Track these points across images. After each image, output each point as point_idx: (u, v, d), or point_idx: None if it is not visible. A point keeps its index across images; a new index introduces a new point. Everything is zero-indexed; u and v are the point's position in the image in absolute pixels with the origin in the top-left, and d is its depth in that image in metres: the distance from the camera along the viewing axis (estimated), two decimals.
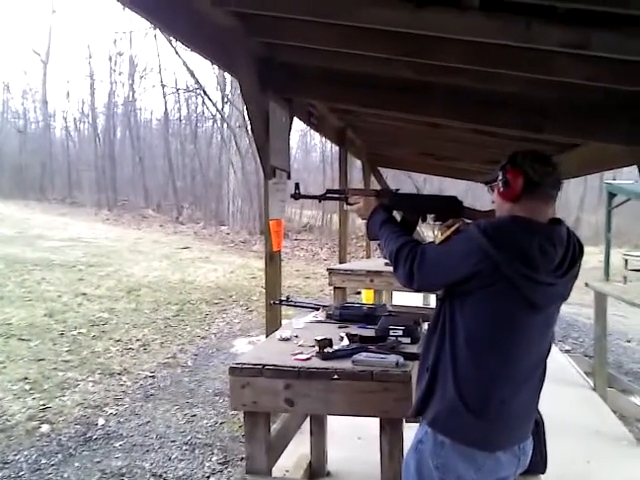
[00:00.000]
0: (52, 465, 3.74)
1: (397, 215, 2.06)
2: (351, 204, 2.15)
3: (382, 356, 2.19)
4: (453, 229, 1.86)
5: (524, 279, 1.55)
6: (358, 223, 16.35)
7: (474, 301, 1.61)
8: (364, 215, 2.07)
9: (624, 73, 2.60)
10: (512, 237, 1.56)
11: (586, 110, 3.34)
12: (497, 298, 1.58)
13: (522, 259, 1.54)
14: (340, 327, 2.74)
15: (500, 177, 1.68)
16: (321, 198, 2.34)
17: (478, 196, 16.12)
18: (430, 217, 2.06)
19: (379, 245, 1.98)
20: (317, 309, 3.11)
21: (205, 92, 22.99)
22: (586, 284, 5.28)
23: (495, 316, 1.61)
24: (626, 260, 14.43)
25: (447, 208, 2.03)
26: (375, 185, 9.54)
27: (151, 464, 3.81)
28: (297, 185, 2.37)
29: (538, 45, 2.41)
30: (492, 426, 1.64)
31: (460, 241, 1.66)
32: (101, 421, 4.48)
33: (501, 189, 1.68)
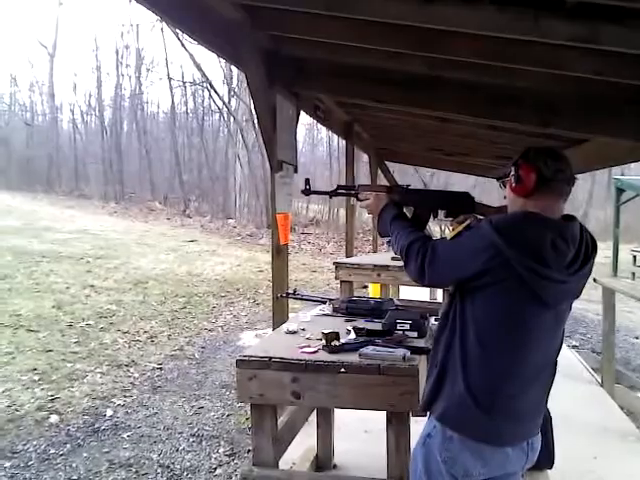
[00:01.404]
0: (61, 455, 3.78)
1: (408, 211, 2.05)
2: (361, 200, 2.14)
3: (389, 350, 2.19)
4: (464, 225, 1.85)
5: (536, 276, 1.54)
6: (365, 217, 16.37)
7: (485, 297, 1.61)
8: (375, 211, 2.06)
9: (633, 68, 2.58)
10: (524, 233, 1.56)
11: (595, 105, 3.32)
12: (508, 294, 1.58)
13: (534, 255, 1.53)
14: (347, 321, 2.75)
15: (513, 172, 1.67)
16: (332, 194, 2.33)
17: (486, 191, 16.07)
18: (441, 213, 2.04)
19: (389, 242, 1.97)
20: (324, 302, 3.11)
21: (212, 85, 22.98)
22: (594, 280, 5.25)
23: (506, 312, 1.60)
24: (634, 256, 14.34)
25: (459, 204, 2.01)
26: (382, 179, 9.54)
27: (159, 455, 3.84)
28: (307, 181, 2.35)
29: (547, 39, 2.40)
30: (501, 422, 1.65)
31: (472, 237, 1.66)
32: (109, 412, 4.51)
33: (513, 184, 1.67)
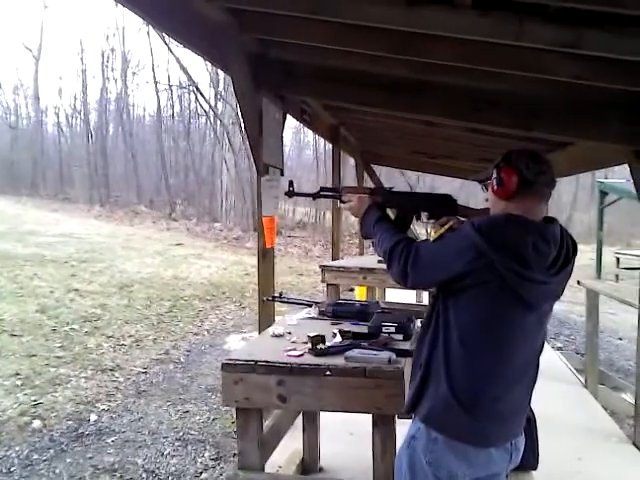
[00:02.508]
0: (44, 460, 3.74)
1: (391, 213, 2.06)
2: (345, 202, 2.14)
3: (375, 352, 2.19)
4: (447, 227, 1.86)
5: (518, 277, 1.56)
6: (351, 220, 16.37)
7: (468, 298, 1.62)
8: (357, 213, 2.06)
9: (616, 72, 2.61)
10: (506, 235, 1.57)
11: (578, 109, 3.36)
12: (491, 296, 1.59)
13: (516, 257, 1.55)
14: (333, 324, 2.74)
15: (494, 175, 1.68)
16: (315, 196, 2.33)
17: (472, 193, 16.17)
18: (424, 215, 2.05)
19: (372, 243, 1.98)
20: (310, 306, 3.11)
21: (198, 89, 22.92)
22: (578, 282, 5.30)
23: (488, 314, 1.61)
24: (618, 258, 14.50)
25: (441, 206, 2.02)
26: (368, 182, 9.55)
27: (143, 460, 3.81)
28: (291, 182, 2.35)
29: (530, 44, 2.42)
30: (484, 422, 1.65)
31: (454, 239, 1.67)
32: (93, 417, 4.48)
33: (495, 187, 1.68)
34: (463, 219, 1.92)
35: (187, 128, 26.60)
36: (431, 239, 1.81)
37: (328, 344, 2.32)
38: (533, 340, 1.71)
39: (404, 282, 1.77)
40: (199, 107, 25.53)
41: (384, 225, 1.93)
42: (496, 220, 1.65)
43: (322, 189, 2.36)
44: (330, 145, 7.87)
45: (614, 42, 2.28)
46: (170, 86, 26.20)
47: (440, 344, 1.68)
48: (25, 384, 5.00)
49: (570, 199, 25.23)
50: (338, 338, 2.43)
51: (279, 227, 16.26)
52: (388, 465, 2.18)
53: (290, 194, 2.35)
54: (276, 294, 3.40)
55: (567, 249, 1.68)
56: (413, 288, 2.00)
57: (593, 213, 17.88)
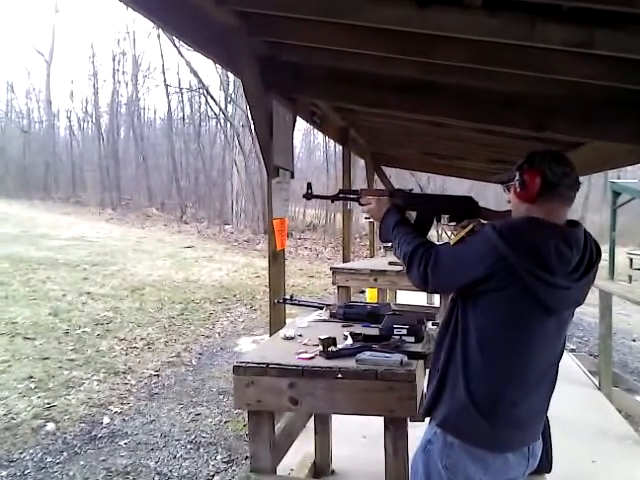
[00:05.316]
0: (57, 463, 3.76)
1: (410, 216, 2.02)
2: (363, 205, 2.10)
3: (386, 355, 2.18)
4: (467, 230, 1.83)
5: (539, 282, 1.52)
6: (362, 222, 16.37)
7: (488, 302, 1.59)
8: (377, 216, 2.02)
9: (628, 72, 2.59)
10: (528, 238, 1.54)
11: (591, 109, 3.33)
12: (511, 300, 1.56)
13: (538, 261, 1.51)
14: (344, 326, 2.74)
15: (517, 177, 1.65)
16: (334, 198, 2.29)
17: (481, 195, 16.10)
18: (445, 217, 2.01)
19: (391, 246, 1.95)
20: (321, 308, 3.10)
21: (208, 91, 23.01)
22: None
23: (508, 318, 1.59)
24: (631, 259, 14.38)
25: (462, 208, 1.98)
26: (379, 184, 9.55)
27: (156, 462, 3.82)
28: (309, 185, 2.30)
29: (542, 44, 2.41)
30: (502, 427, 1.63)
31: (475, 242, 1.64)
32: (106, 420, 4.50)
33: (518, 190, 1.65)
34: (484, 222, 1.88)
35: (197, 131, 26.69)
36: (451, 242, 1.78)
37: (339, 346, 2.31)
38: (552, 346, 1.69)
39: (424, 286, 1.74)
40: (209, 110, 25.63)
41: (403, 228, 1.89)
42: (517, 223, 1.62)
43: (341, 191, 2.33)
44: (340, 147, 7.88)
45: (625, 41, 2.27)
46: (180, 89, 26.34)
47: (458, 348, 1.66)
48: (39, 387, 5.04)
49: (582, 200, 25.02)
50: (349, 340, 2.42)
51: (289, 229, 16.29)
52: (400, 468, 2.17)
53: (309, 196, 2.31)
54: (287, 296, 3.41)
55: (590, 254, 1.63)
56: (434, 292, 1.98)
57: (605, 214, 17.74)
